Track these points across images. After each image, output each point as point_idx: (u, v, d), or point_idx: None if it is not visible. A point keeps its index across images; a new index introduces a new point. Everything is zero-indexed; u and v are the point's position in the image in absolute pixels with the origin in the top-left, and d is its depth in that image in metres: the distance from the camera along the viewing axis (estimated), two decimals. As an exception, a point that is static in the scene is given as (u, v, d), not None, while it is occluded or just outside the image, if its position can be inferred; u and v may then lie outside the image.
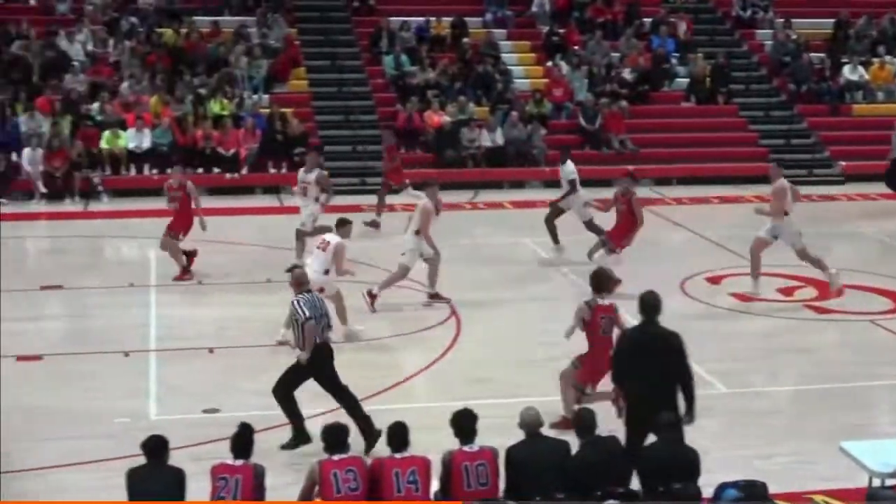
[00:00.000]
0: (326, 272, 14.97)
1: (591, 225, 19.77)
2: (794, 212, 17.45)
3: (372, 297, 16.61)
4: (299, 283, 12.03)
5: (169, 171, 25.84)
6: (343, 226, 15.43)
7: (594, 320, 11.94)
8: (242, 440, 9.14)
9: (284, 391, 11.77)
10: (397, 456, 9.03)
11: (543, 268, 19.72)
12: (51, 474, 11.35)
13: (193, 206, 18.52)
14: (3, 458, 11.64)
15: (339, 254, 15.03)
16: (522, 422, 9.37)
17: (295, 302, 11.77)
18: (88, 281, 18.29)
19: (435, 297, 16.96)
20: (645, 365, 10.02)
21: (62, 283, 18.06)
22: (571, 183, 20.11)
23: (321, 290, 13.77)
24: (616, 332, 11.54)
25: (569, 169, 20.21)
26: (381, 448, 9.30)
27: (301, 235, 18.74)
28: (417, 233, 16.74)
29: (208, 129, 26.57)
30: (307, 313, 11.61)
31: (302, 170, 19.60)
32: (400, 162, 23.48)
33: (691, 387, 10.07)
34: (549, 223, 20.14)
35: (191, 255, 18.41)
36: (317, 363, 11.68)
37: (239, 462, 8.99)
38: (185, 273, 18.26)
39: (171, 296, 17.69)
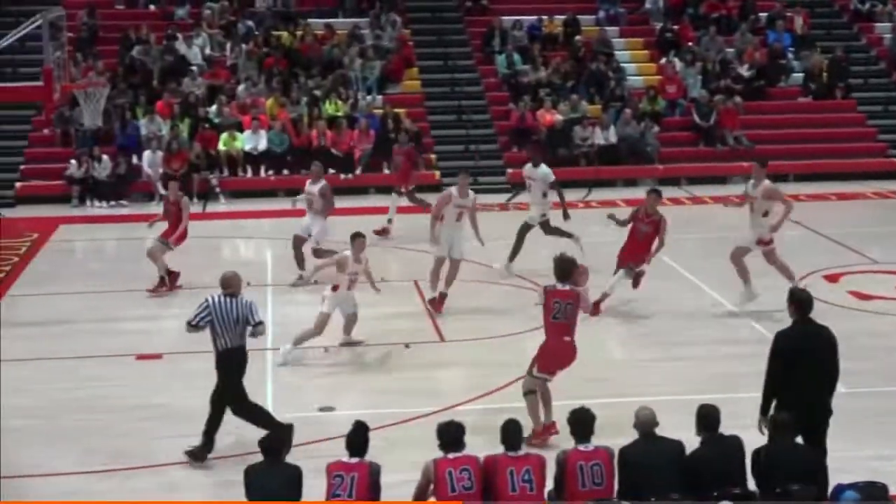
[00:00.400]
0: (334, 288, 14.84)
1: (549, 227, 18.96)
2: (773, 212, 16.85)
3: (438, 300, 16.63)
4: (223, 284, 11.93)
5: (285, 172, 26.38)
6: (354, 239, 14.97)
7: (547, 304, 11.81)
8: (358, 438, 9.20)
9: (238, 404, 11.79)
10: (511, 454, 9.03)
11: (656, 265, 19.55)
12: (167, 472, 11.58)
13: (183, 222, 18.41)
14: (117, 455, 11.89)
15: (339, 264, 14.83)
16: (637, 421, 9.29)
17: (207, 298, 11.81)
18: (206, 280, 18.56)
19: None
20: (810, 364, 9.80)
21: (181, 283, 18.38)
22: (554, 185, 18.95)
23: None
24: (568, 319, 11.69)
25: (545, 171, 18.93)
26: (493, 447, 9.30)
27: (321, 254, 18.21)
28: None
29: (323, 129, 26.83)
30: (193, 315, 11.72)
31: (308, 182, 19.12)
32: (414, 166, 22.99)
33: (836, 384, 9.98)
34: (552, 231, 19.07)
35: (173, 273, 18.27)
36: (222, 367, 11.68)
37: (354, 460, 9.05)
38: (161, 286, 18.09)
39: (287, 295, 17.91)
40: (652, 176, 27.03)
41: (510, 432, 9.16)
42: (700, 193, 25.91)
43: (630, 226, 16.72)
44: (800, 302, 10.04)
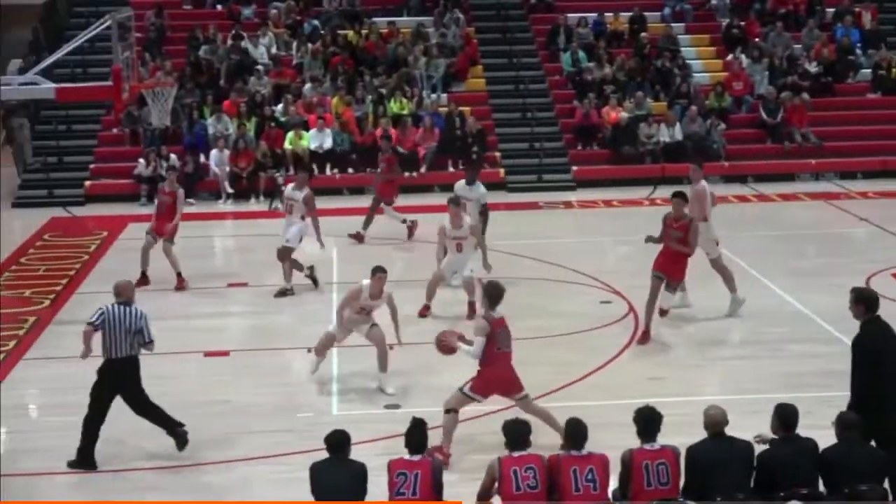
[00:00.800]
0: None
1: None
2: (713, 218, 16.62)
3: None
4: (116, 292, 11.97)
5: (350, 171, 26.50)
6: (373, 274, 13.75)
7: (493, 334, 11.41)
8: (416, 436, 9.24)
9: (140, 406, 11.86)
10: (574, 453, 9.02)
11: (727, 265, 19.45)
12: (236, 467, 11.71)
13: (177, 215, 18.46)
14: (187, 450, 12.03)
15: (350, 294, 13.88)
16: (707, 420, 9.22)
17: (101, 306, 11.86)
18: (273, 278, 18.74)
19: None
20: (889, 363, 9.72)
21: (248, 281, 18.55)
22: (485, 208, 18.50)
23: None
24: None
25: (481, 191, 18.49)
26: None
27: (287, 255, 18.06)
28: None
29: (387, 128, 26.91)
30: (93, 318, 11.80)
31: (290, 187, 18.62)
32: (397, 176, 22.57)
33: None
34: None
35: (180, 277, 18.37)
36: (114, 378, 11.71)
37: (417, 457, 9.09)
38: (144, 282, 18.17)
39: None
40: (718, 173, 26.84)
41: (574, 432, 9.16)
42: (767, 191, 25.71)
43: (662, 234, 16.00)
44: (865, 299, 9.93)
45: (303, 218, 18.02)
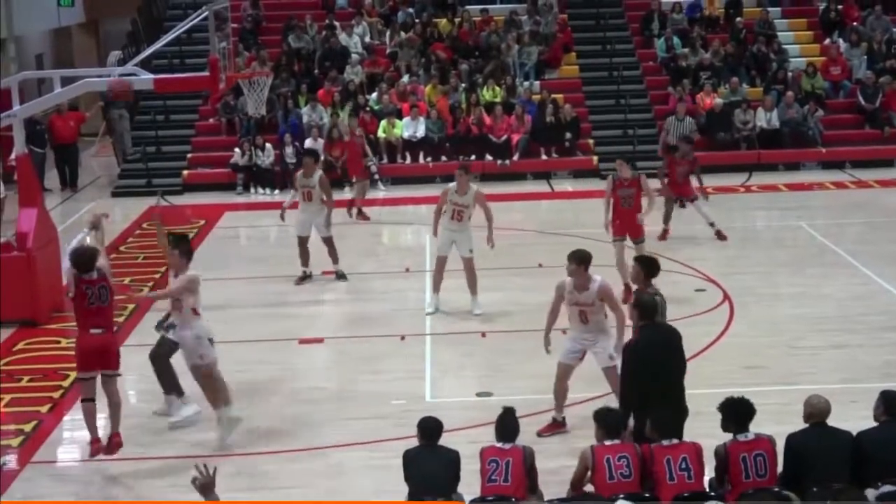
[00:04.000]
0: None
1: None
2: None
3: None
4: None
5: (443, 159, 26.57)
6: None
7: (79, 290, 11.40)
8: (507, 423, 9.28)
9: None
10: (666, 444, 8.99)
11: (820, 250, 19.23)
12: (331, 454, 11.83)
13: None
14: (282, 437, 12.19)
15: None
16: (811, 410, 9.11)
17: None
18: (367, 266, 18.88)
19: None
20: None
21: (342, 269, 18.70)
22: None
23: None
24: None
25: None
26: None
27: (330, 241, 18.12)
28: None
29: (480, 116, 26.93)
30: None
31: (299, 174, 18.33)
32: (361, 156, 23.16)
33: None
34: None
35: None
36: None
37: (508, 445, 9.13)
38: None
39: (445, 280, 18.04)
40: (815, 159, 26.52)
41: (664, 423, 9.13)
42: (865, 177, 25.30)
43: (612, 199, 16.49)
44: (642, 307, 10.26)
45: (322, 201, 17.98)
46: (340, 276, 18.25)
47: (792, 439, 8.99)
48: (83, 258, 11.47)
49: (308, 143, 26.30)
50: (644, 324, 10.15)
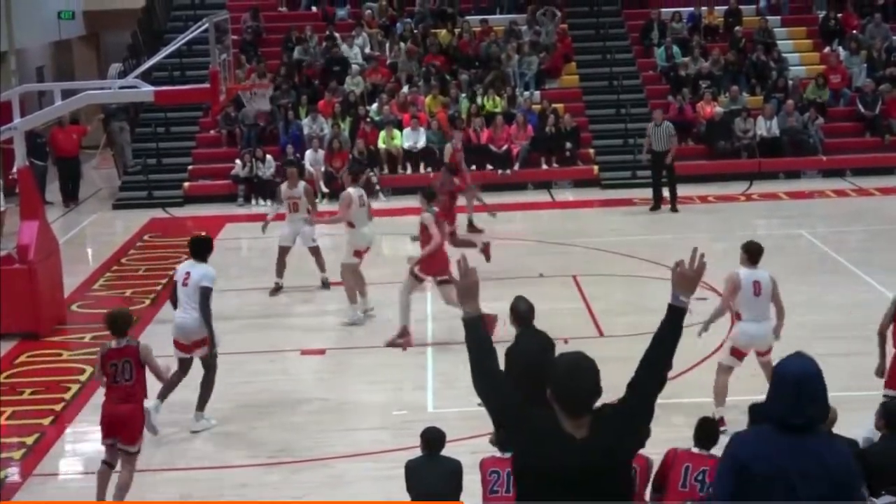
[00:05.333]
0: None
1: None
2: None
3: None
4: None
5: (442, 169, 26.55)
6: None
7: (105, 369, 10.79)
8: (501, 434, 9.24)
9: None
10: (695, 451, 8.96)
11: (821, 259, 19.22)
12: (333, 465, 11.82)
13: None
14: (284, 447, 12.18)
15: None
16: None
17: None
18: (367, 276, 18.86)
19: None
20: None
21: (341, 280, 18.66)
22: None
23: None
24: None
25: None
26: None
27: (318, 251, 18.32)
28: None
29: (481, 126, 26.95)
30: None
31: (283, 186, 18.51)
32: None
33: None
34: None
35: None
36: None
37: (507, 455, 9.08)
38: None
39: (448, 290, 18.03)
40: (815, 167, 26.53)
41: (705, 430, 9.11)
42: (865, 185, 25.31)
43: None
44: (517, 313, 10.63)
45: (308, 212, 18.14)
46: (325, 285, 18.28)
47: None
48: (114, 321, 10.88)
49: (309, 154, 26.33)
50: (521, 330, 10.33)
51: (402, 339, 15.45)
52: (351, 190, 16.84)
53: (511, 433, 5.66)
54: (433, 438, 9.25)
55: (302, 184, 18.43)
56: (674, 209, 23.16)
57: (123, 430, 10.70)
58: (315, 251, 18.28)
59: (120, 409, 10.70)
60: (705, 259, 5.83)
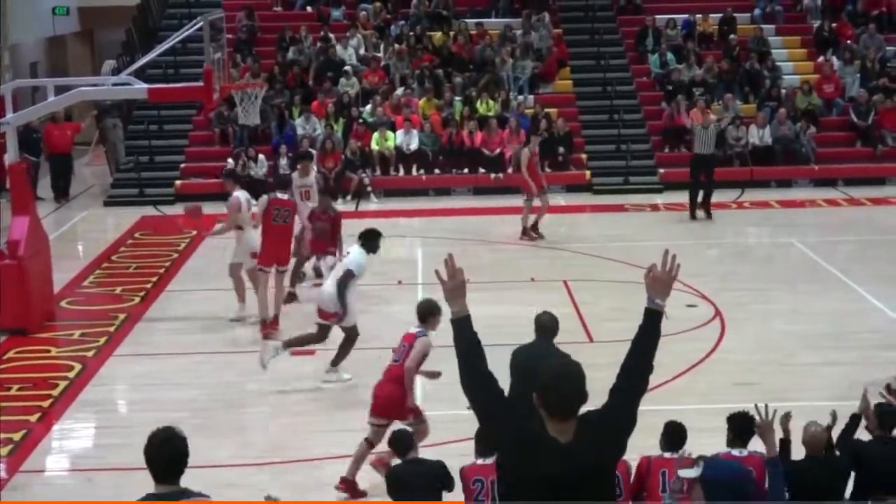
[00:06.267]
0: None
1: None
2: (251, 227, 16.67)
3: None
4: None
5: (436, 171, 26.57)
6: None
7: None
8: (487, 439, 9.18)
9: None
10: (667, 456, 8.94)
11: (812, 268, 19.25)
12: (321, 466, 11.79)
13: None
14: (273, 448, 12.17)
15: None
16: (806, 437, 9.04)
17: None
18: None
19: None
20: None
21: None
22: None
23: None
24: None
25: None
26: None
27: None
28: None
29: (474, 129, 26.94)
30: None
31: (295, 175, 19.02)
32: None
33: None
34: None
35: None
36: None
37: (489, 461, 8.99)
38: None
39: (437, 293, 17.95)
40: (807, 176, 26.56)
41: (672, 434, 9.09)
42: (857, 195, 25.35)
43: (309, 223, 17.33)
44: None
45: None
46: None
47: (790, 467, 8.88)
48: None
49: (301, 154, 26.26)
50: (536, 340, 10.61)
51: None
52: (238, 193, 16.93)
53: (496, 435, 5.67)
54: (403, 446, 9.14)
55: (313, 174, 19.14)
56: (709, 215, 23.08)
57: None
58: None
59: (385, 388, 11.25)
60: (678, 261, 5.79)
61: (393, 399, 11.23)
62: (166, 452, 6.25)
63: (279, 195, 16.41)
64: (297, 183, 18.63)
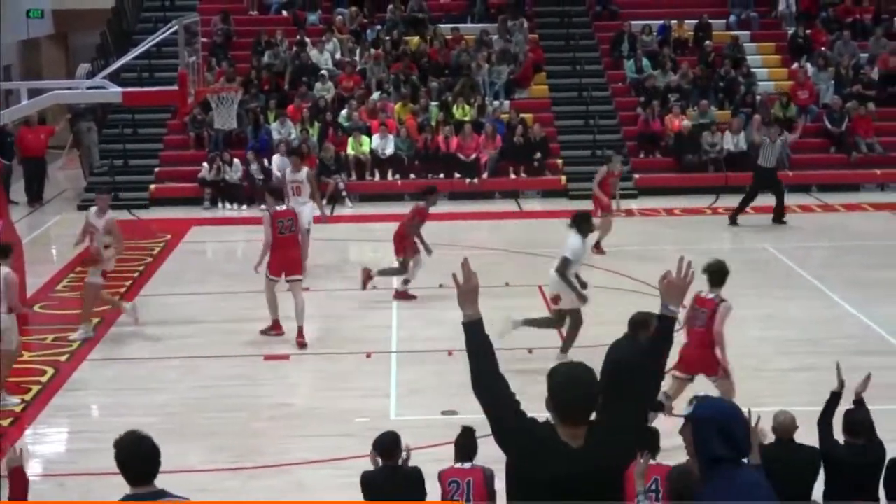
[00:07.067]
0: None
1: None
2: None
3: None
4: None
5: (412, 176, 26.56)
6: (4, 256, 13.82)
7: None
8: (466, 443, 9.18)
9: None
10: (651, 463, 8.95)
11: (786, 274, 19.30)
12: (294, 471, 11.77)
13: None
14: (245, 453, 12.13)
15: (11, 287, 13.46)
16: (776, 424, 9.19)
17: None
18: (333, 283, 18.83)
19: None
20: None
21: (308, 286, 18.61)
22: None
23: None
24: None
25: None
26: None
27: (306, 237, 18.71)
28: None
29: (449, 134, 26.95)
30: None
31: (288, 170, 19.70)
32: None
33: None
34: None
35: None
36: None
37: (468, 465, 9.04)
38: None
39: (410, 300, 18.03)
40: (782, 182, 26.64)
41: (655, 440, 9.11)
42: (831, 201, 25.47)
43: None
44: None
45: (312, 196, 19.33)
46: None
47: (762, 453, 8.97)
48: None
49: (276, 158, 26.21)
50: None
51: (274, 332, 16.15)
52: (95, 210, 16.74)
53: (507, 438, 5.66)
54: (387, 448, 9.11)
55: (305, 169, 19.52)
56: (782, 220, 23.26)
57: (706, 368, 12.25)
58: (306, 235, 18.47)
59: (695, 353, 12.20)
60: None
61: (703, 360, 12.21)
62: (141, 454, 6.33)
63: (278, 207, 16.09)
64: (288, 178, 19.17)
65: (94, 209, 16.84)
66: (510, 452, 5.63)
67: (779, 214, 23.28)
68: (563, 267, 14.37)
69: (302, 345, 15.66)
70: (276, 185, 18.41)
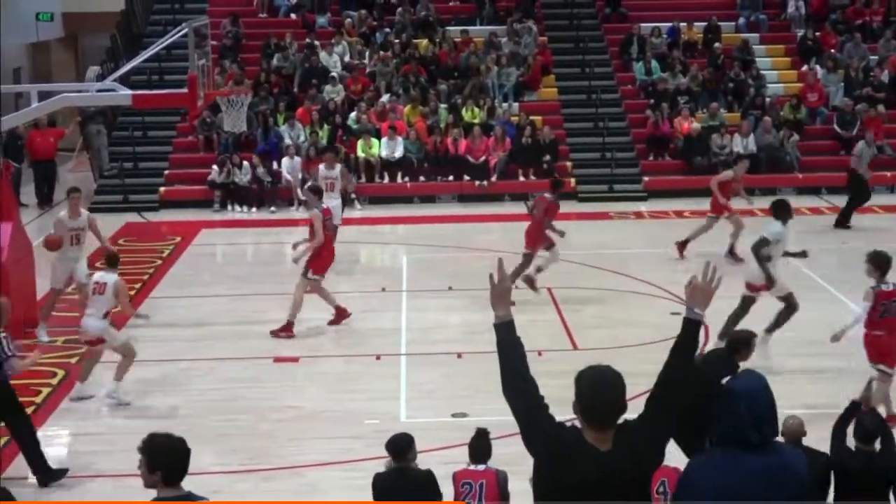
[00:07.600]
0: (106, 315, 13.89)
1: None
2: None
3: None
4: None
5: (421, 179, 26.57)
6: (114, 263, 14.30)
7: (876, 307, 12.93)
8: (480, 445, 9.20)
9: None
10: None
11: (794, 276, 19.28)
12: (306, 473, 11.79)
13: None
14: (256, 455, 12.15)
15: (121, 292, 14.02)
16: (785, 430, 9.12)
17: None
18: (343, 285, 18.84)
19: None
20: None
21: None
22: None
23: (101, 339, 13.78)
24: None
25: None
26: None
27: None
28: None
29: (458, 137, 26.97)
30: None
31: (322, 167, 20.35)
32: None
33: None
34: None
35: None
36: None
37: (481, 467, 9.06)
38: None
39: (421, 301, 18.06)
40: (791, 185, 26.63)
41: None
42: (840, 203, 25.38)
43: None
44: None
45: (344, 193, 20.22)
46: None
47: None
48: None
49: (285, 162, 26.28)
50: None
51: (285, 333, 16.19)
52: (63, 214, 16.83)
53: (535, 441, 5.67)
54: (399, 449, 9.12)
55: (339, 166, 20.20)
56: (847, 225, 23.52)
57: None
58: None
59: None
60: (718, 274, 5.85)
61: (890, 347, 12.87)
62: (182, 451, 6.34)
63: (324, 205, 16.77)
64: (322, 174, 19.74)
65: (64, 213, 17.00)
66: (538, 455, 5.64)
67: (849, 215, 23.69)
68: (759, 245, 14.93)
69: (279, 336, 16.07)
70: (317, 185, 18.23)
